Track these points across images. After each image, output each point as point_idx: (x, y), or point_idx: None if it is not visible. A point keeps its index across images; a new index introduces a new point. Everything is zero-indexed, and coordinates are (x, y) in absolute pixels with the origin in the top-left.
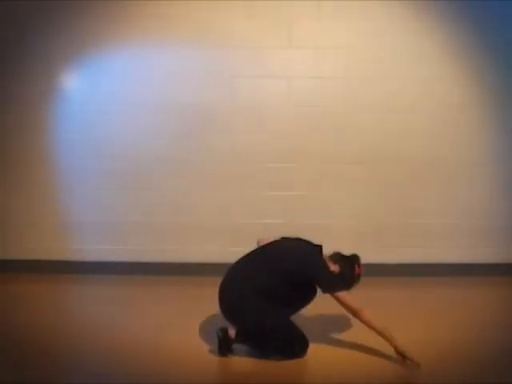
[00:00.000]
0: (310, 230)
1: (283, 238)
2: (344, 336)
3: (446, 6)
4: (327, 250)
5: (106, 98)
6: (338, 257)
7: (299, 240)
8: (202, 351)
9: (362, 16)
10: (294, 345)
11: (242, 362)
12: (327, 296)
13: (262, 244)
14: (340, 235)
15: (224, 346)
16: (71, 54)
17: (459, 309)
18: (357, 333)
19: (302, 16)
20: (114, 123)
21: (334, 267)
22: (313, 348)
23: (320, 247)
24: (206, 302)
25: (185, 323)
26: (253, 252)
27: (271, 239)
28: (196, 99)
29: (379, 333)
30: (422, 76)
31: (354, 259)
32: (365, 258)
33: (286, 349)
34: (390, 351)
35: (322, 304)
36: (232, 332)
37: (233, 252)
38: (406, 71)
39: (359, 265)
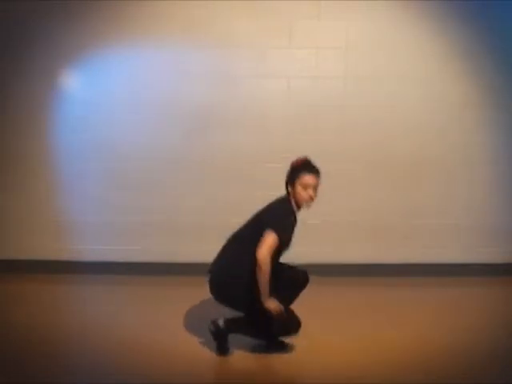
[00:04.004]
0: (310, 230)
1: None
2: (342, 334)
3: (446, 5)
4: (326, 250)
5: (107, 99)
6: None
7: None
8: (202, 351)
9: (362, 16)
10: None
11: (241, 360)
12: (324, 295)
13: None
14: (340, 235)
15: (219, 339)
16: (72, 54)
17: (459, 309)
18: (356, 331)
19: (302, 16)
20: (115, 123)
21: None
22: (312, 347)
23: (287, 195)
24: (206, 301)
25: (185, 323)
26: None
27: None
28: (196, 99)
29: (265, 283)
30: (422, 76)
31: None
32: (365, 258)
33: (276, 324)
34: (390, 350)
35: (319, 303)
36: (221, 321)
37: None
38: (406, 71)
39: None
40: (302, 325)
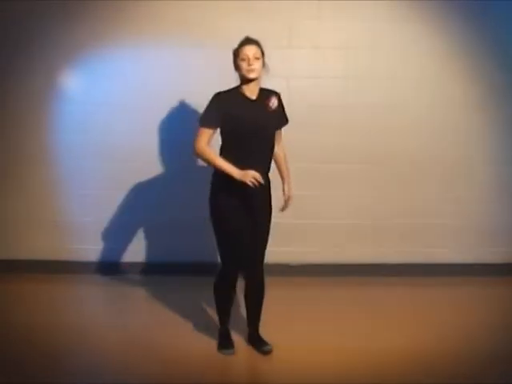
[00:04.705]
0: (310, 230)
1: None
2: (342, 334)
3: (446, 5)
4: (326, 251)
5: (106, 99)
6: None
7: None
8: (201, 351)
9: (362, 16)
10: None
11: (241, 360)
12: (324, 295)
13: None
14: (340, 235)
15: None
16: (70, 54)
17: (459, 309)
18: (355, 331)
19: (301, 16)
20: (114, 123)
21: None
22: (312, 347)
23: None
24: (206, 301)
25: (185, 323)
26: None
27: None
28: (195, 99)
29: (219, 166)
30: (423, 76)
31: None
32: (365, 258)
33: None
34: (389, 350)
35: (319, 303)
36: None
37: None
38: (407, 71)
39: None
40: (302, 325)
